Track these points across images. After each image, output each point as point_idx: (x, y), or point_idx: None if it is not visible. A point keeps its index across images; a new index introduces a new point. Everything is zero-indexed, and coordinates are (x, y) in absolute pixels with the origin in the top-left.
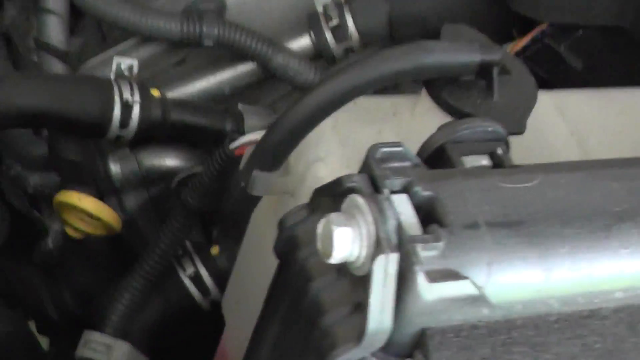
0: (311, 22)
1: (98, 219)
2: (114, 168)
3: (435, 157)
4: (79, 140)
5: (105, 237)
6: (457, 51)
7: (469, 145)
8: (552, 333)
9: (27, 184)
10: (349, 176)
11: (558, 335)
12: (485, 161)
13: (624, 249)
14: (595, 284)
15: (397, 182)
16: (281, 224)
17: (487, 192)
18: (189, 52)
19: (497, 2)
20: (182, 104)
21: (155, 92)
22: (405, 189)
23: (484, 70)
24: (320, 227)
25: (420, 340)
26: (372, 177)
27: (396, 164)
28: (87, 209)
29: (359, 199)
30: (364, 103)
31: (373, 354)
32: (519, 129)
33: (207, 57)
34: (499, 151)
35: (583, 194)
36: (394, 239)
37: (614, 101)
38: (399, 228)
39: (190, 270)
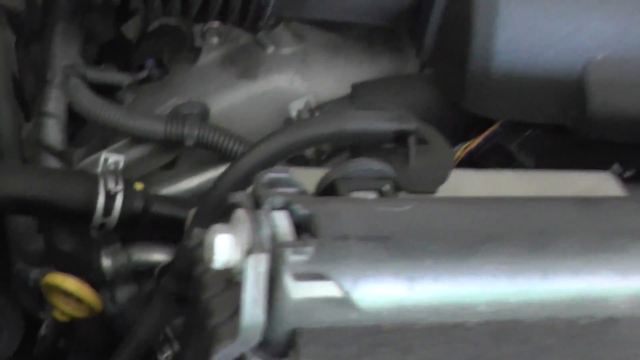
0: (286, 125)
1: (80, 299)
2: (106, 261)
3: (328, 192)
4: (72, 233)
5: (97, 325)
6: (375, 119)
7: (358, 182)
8: (418, 339)
9: (28, 278)
10: (234, 194)
11: (423, 341)
12: (372, 197)
13: (487, 266)
14: (459, 297)
15: (278, 201)
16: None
17: (361, 213)
18: (179, 155)
19: (455, 105)
20: (165, 198)
21: (138, 186)
22: (285, 207)
23: (400, 138)
24: (206, 238)
25: (292, 339)
26: (256, 196)
27: (283, 189)
28: (69, 289)
29: (240, 212)
30: (300, 173)
31: (255, 354)
32: (431, 191)
33: (196, 160)
34: (385, 188)
35: (452, 219)
36: (267, 244)
37: (539, 181)
38: (273, 236)
39: (168, 353)
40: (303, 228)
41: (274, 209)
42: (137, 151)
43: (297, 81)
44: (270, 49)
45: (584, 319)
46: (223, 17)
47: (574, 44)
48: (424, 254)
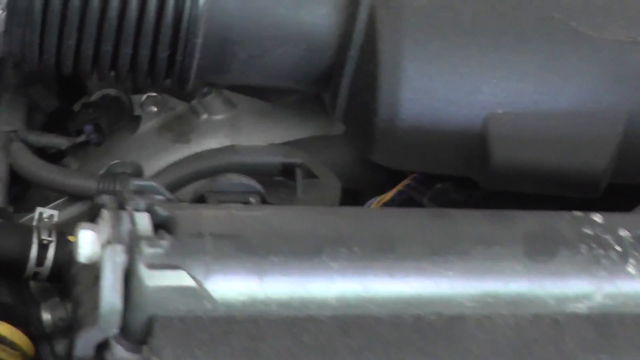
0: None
1: (12, 344)
2: (45, 315)
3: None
4: (11, 286)
5: None
6: (262, 153)
7: (226, 195)
8: (270, 329)
9: None
10: (100, 197)
11: (275, 331)
12: None
13: (333, 264)
14: (308, 292)
15: (141, 203)
16: None
17: (219, 215)
18: None
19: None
20: None
21: (72, 238)
22: (147, 209)
23: (289, 172)
24: (74, 236)
25: (149, 326)
26: (121, 199)
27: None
28: (2, 333)
29: (104, 212)
30: None
31: (118, 341)
32: None
33: None
34: (252, 200)
35: (305, 223)
36: (126, 238)
37: None
38: (132, 232)
39: None
40: (164, 229)
41: (137, 210)
42: (75, 209)
43: (227, 144)
44: (204, 116)
45: (431, 315)
46: (152, 81)
47: (475, 100)
48: (273, 251)
